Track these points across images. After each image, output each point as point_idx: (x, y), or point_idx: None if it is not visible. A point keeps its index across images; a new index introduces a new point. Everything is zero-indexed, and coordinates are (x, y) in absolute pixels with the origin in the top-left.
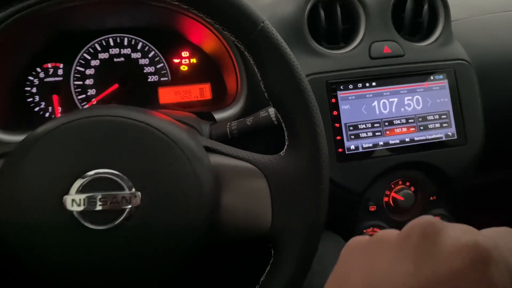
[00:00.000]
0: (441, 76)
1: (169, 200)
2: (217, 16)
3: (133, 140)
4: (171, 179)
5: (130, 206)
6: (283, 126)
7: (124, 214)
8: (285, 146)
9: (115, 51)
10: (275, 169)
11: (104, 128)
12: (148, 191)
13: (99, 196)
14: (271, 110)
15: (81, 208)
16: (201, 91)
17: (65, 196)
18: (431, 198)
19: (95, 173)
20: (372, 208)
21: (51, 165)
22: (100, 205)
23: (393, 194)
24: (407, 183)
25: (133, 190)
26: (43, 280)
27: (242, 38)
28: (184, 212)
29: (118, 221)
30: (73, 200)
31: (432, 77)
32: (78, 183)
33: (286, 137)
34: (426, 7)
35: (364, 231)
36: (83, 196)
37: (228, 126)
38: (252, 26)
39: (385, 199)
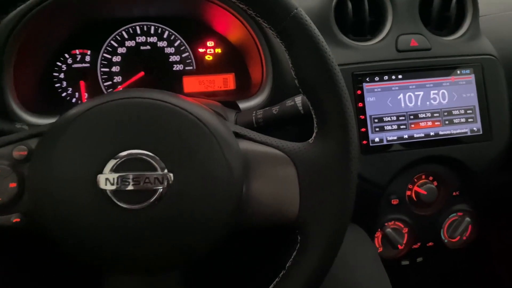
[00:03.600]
0: (467, 71)
1: (199, 183)
2: (250, 2)
3: (166, 123)
4: (202, 163)
5: (162, 187)
6: (313, 114)
7: (156, 195)
8: (314, 134)
9: (141, 39)
10: (304, 157)
11: (138, 110)
12: (180, 173)
13: (133, 176)
14: (298, 99)
15: (114, 187)
16: (225, 81)
17: (99, 175)
18: (454, 193)
19: (128, 154)
20: (395, 202)
21: (85, 145)
22: (133, 184)
23: (416, 188)
24: (430, 178)
25: (165, 171)
26: (73, 256)
27: (275, 24)
28: (212, 196)
29: (151, 201)
30: (106, 179)
31: (458, 72)
32: (111, 163)
33: (315, 125)
34: (454, 1)
35: (386, 224)
36: (116, 175)
37: (253, 114)
38: (285, 13)
39: (408, 192)
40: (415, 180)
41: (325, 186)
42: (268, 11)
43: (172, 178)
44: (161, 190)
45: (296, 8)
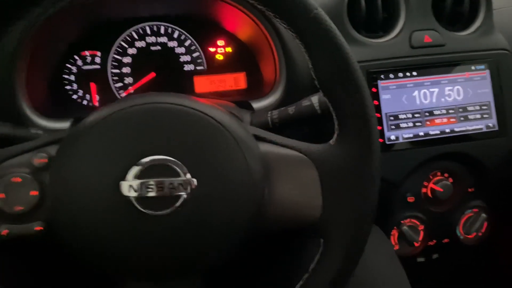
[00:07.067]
0: (482, 66)
1: (222, 188)
2: (269, 4)
3: (187, 127)
4: (224, 167)
5: (185, 192)
6: (334, 115)
7: (180, 200)
8: (335, 136)
9: (151, 39)
10: (326, 159)
11: (159, 116)
12: (203, 177)
13: (156, 182)
14: (314, 99)
15: (138, 193)
16: (236, 80)
17: (122, 182)
18: (469, 189)
19: (151, 160)
20: (410, 199)
21: (106, 152)
22: (156, 191)
23: (431, 185)
24: (446, 174)
25: (189, 176)
26: (94, 264)
27: (294, 26)
28: (235, 200)
29: (174, 206)
30: (130, 186)
31: (473, 67)
32: (134, 169)
33: (336, 126)
34: None
35: (402, 221)
36: (139, 181)
37: (269, 115)
38: (305, 14)
39: (423, 190)
40: (431, 177)
41: (348, 189)
42: (288, 12)
43: (196, 183)
44: (185, 195)
45: (316, 8)
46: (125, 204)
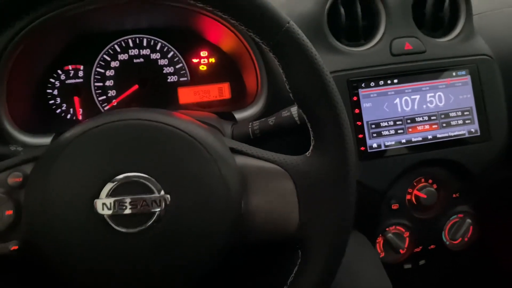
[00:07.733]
0: (463, 72)
1: (197, 202)
2: (242, 18)
3: (161, 143)
4: (198, 181)
5: (159, 209)
6: (309, 127)
7: (154, 217)
8: (311, 147)
9: (134, 52)
10: (302, 170)
11: (132, 132)
12: (177, 193)
13: (129, 200)
14: (294, 110)
15: (112, 211)
16: (220, 91)
17: (96, 200)
18: (454, 195)
19: (125, 177)
20: (395, 206)
21: (80, 170)
22: (130, 208)
23: (415, 192)
24: (430, 181)
25: (162, 193)
26: (72, 283)
27: (267, 39)
28: (211, 214)
29: (149, 224)
30: (103, 204)
31: (454, 73)
32: (108, 187)
33: (312, 138)
34: (447, 1)
35: (387, 229)
36: (113, 199)
37: (250, 126)
38: (278, 27)
39: (408, 197)
40: (415, 184)
41: (324, 200)
42: (260, 26)
43: (169, 199)
44: (159, 212)
45: (288, 22)
46: (100, 222)
